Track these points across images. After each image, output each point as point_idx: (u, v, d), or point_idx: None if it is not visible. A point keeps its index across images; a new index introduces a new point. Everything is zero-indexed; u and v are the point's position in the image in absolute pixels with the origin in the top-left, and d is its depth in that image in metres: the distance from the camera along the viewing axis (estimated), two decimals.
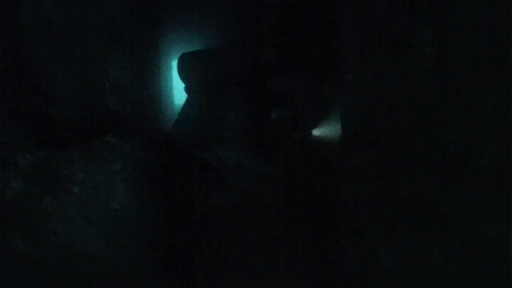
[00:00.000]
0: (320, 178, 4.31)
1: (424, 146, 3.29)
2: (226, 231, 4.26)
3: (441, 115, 3.19)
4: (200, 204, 4.33)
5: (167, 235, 4.33)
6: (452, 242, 3.26)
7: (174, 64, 7.26)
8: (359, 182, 3.53)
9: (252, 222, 4.22)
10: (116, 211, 4.29)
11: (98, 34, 4.44)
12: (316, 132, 4.78)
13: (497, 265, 3.20)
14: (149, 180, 4.38)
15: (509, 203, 3.12)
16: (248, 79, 4.71)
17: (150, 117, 4.93)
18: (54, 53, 4.21)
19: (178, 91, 7.31)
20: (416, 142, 3.32)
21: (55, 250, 4.18)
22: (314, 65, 4.65)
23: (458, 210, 3.23)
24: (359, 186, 3.54)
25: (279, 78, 4.80)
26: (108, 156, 4.35)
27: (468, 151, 3.16)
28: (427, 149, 3.28)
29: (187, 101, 4.95)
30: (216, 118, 4.57)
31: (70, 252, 4.21)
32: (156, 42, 5.54)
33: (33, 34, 4.08)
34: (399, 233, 3.40)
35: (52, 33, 4.14)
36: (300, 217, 4.23)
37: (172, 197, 4.39)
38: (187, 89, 5.09)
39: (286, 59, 4.75)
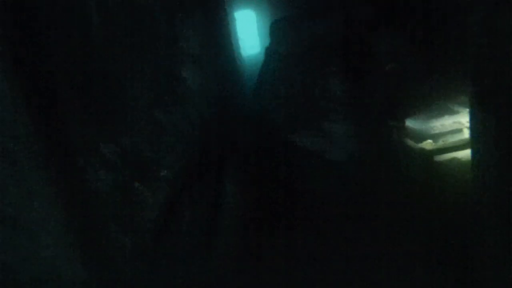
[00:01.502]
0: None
1: None
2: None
3: None
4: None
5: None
6: None
7: (236, 15, 6.77)
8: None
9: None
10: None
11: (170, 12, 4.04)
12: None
13: None
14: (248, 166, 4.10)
15: None
16: (346, 41, 4.17)
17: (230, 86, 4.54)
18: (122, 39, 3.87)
19: (242, 42, 6.88)
20: None
21: (151, 236, 4.09)
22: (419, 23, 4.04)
23: None
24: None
25: (381, 38, 4.22)
26: (196, 136, 4.08)
27: None
28: None
29: (272, 70, 4.48)
30: (317, 88, 4.12)
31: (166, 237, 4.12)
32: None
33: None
34: None
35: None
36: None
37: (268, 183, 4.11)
38: (275, 56, 4.61)
39: (387, 16, 4.13)
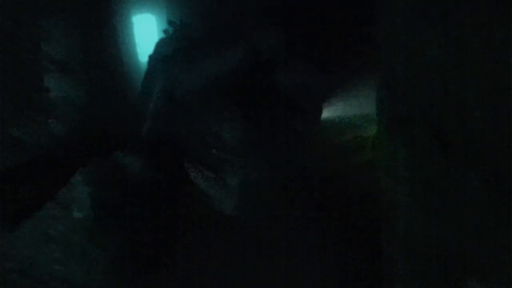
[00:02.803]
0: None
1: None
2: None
3: None
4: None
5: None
6: None
7: (134, 19, 6.22)
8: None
9: None
10: (79, 220, 3.50)
11: None
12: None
13: None
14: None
15: None
16: (245, 81, 3.66)
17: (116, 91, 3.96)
18: None
19: (141, 49, 6.31)
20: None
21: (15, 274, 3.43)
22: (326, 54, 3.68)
23: None
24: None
25: (285, 73, 3.78)
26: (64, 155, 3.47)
27: None
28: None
29: (160, 109, 3.88)
30: (211, 136, 3.59)
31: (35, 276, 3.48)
32: None
33: None
34: None
35: None
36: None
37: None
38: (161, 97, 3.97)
39: (293, 50, 3.71)
